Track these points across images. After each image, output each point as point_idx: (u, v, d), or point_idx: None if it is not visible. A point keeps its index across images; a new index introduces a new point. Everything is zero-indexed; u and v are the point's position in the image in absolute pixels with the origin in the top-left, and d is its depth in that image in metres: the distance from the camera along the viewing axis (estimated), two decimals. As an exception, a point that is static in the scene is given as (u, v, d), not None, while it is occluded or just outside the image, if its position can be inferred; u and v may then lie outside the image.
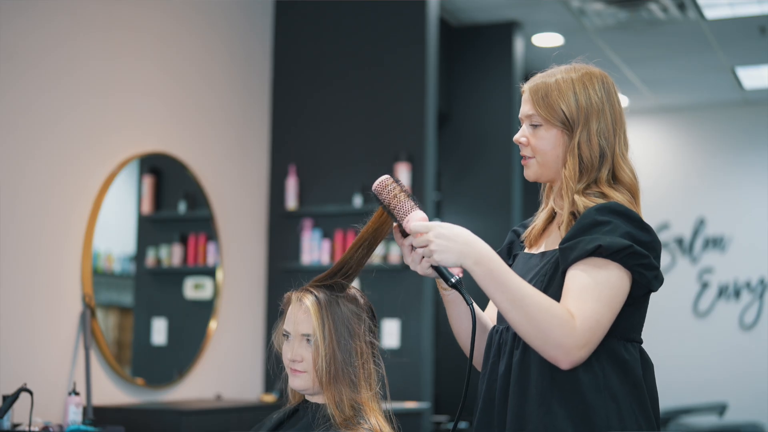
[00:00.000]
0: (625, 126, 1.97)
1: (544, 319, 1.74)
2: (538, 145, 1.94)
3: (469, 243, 1.80)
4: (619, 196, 1.89)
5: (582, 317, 1.75)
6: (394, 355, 4.10)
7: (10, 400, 3.13)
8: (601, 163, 1.91)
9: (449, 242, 1.80)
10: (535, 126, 1.95)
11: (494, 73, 6.17)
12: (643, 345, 1.92)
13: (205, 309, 4.73)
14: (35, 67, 3.76)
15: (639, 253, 1.79)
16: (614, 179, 1.93)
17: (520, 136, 1.97)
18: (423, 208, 1.90)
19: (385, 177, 1.90)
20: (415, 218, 1.86)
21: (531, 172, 1.97)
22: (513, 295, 1.76)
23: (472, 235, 1.82)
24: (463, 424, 5.36)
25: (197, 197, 4.70)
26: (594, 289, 1.77)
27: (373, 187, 1.90)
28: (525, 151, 1.97)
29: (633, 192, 1.93)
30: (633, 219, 1.84)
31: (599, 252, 1.78)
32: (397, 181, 1.90)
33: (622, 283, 1.80)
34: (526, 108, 1.96)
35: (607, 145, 1.92)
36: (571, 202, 1.89)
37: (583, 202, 1.87)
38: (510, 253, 2.09)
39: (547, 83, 1.94)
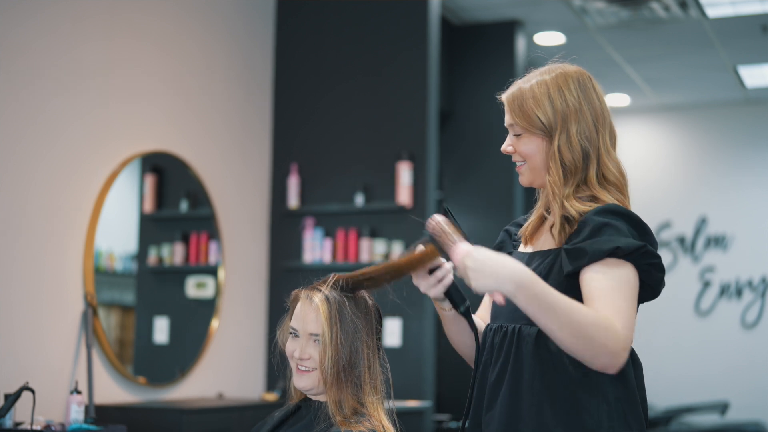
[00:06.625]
0: (610, 119, 1.97)
1: (593, 332, 1.73)
2: (523, 151, 1.96)
3: (506, 266, 1.74)
4: (610, 198, 1.90)
5: (620, 319, 1.76)
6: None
7: (12, 398, 3.14)
8: (586, 164, 1.92)
9: (485, 267, 1.75)
10: (517, 135, 1.97)
11: (496, 72, 6.16)
12: (639, 345, 1.94)
13: (207, 308, 4.73)
14: (37, 67, 3.76)
15: (651, 252, 1.82)
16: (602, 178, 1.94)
17: (506, 146, 1.99)
18: (468, 239, 1.84)
19: (439, 217, 1.86)
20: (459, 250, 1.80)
21: (525, 179, 1.99)
22: (560, 318, 1.73)
23: (508, 258, 1.76)
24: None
25: (199, 196, 4.70)
26: (620, 289, 1.79)
27: (428, 228, 1.86)
28: (515, 158, 1.99)
29: (621, 189, 1.94)
30: (633, 220, 1.86)
31: (616, 253, 1.79)
32: (452, 219, 1.87)
33: (636, 282, 1.82)
34: (507, 117, 1.98)
35: (590, 145, 1.92)
36: (561, 207, 1.90)
37: (576, 208, 1.88)
38: (500, 251, 2.09)
39: (522, 90, 1.95)
